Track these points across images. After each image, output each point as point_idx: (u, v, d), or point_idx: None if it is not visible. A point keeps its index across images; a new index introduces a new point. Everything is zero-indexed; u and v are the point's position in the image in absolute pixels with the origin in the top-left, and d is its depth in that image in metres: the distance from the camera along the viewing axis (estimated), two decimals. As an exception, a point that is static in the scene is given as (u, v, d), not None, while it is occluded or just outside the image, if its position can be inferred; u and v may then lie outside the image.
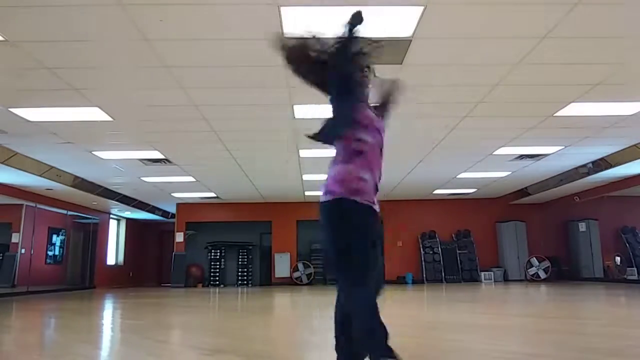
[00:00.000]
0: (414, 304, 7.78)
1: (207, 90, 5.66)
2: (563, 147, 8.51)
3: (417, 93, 5.83)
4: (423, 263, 14.26)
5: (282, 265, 14.56)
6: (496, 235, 14.73)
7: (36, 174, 9.20)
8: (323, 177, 2.24)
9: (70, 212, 13.45)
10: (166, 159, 9.02)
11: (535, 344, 3.56)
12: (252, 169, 10.17)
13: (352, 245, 2.08)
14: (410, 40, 4.45)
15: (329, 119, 2.25)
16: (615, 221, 13.66)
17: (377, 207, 2.20)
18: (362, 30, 2.16)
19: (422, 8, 3.92)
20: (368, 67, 2.30)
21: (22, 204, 11.61)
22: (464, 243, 14.48)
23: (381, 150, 2.27)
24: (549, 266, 13.64)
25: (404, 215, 14.70)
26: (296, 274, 14.39)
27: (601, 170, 9.84)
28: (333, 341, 2.24)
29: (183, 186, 11.94)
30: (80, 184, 10.86)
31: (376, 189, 2.21)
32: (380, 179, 2.24)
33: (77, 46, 4.47)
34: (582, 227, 13.70)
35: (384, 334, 2.01)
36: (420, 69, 5.11)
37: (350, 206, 2.09)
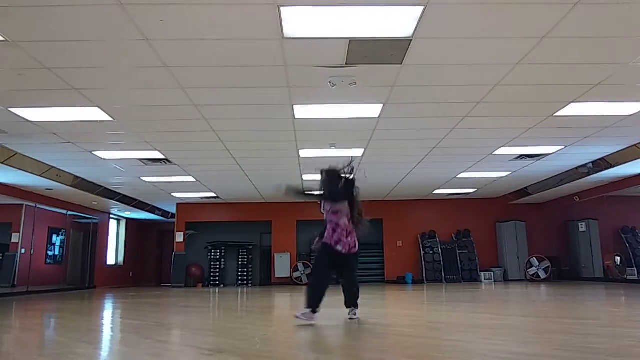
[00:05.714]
0: (414, 304, 7.78)
1: (207, 90, 5.66)
2: (563, 147, 8.52)
3: (417, 93, 5.85)
4: (423, 263, 14.27)
5: (282, 265, 14.58)
6: (496, 235, 14.74)
7: (36, 174, 9.20)
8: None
9: (70, 212, 13.46)
10: (166, 159, 9.02)
11: (535, 344, 3.56)
12: (252, 169, 10.17)
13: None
14: (410, 40, 4.45)
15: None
16: (615, 221, 13.63)
17: (340, 247, 4.71)
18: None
19: (422, 8, 3.92)
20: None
21: (22, 204, 11.61)
22: (464, 243, 14.49)
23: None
24: (549, 266, 13.64)
25: (404, 215, 14.73)
26: (296, 274, 14.39)
27: (601, 170, 9.84)
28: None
29: (183, 186, 11.94)
30: (80, 184, 10.86)
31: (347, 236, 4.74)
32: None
33: (77, 46, 4.47)
34: (582, 227, 13.69)
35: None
36: (420, 69, 5.11)
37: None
